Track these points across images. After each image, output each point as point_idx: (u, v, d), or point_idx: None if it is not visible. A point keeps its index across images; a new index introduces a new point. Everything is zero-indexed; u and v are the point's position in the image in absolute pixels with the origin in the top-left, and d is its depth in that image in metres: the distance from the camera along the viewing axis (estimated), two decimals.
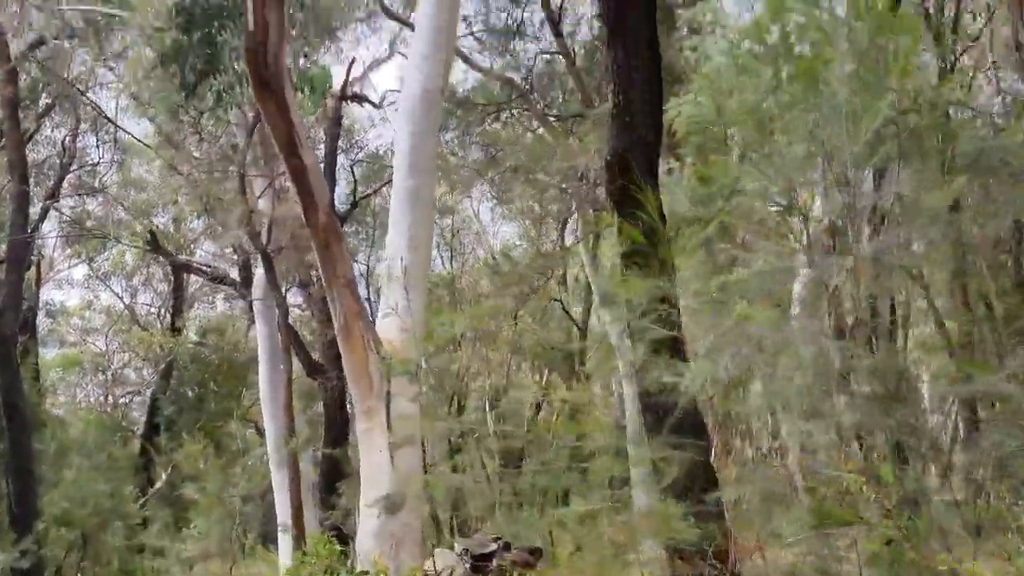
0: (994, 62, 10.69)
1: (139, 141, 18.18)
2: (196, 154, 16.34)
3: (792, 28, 6.01)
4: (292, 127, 9.70)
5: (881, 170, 6.20)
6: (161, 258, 22.30)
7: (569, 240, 20.37)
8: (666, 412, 5.47)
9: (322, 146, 17.79)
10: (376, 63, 20.02)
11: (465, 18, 13.95)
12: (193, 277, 25.72)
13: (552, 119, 14.33)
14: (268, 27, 9.37)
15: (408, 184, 10.56)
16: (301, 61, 12.23)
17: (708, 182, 6.46)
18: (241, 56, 10.29)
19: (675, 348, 5.92)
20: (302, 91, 11.29)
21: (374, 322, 10.44)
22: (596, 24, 14.44)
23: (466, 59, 14.89)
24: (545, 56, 15.23)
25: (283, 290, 14.93)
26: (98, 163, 23.32)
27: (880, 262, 3.30)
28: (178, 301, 25.81)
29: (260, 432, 19.77)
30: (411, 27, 15.48)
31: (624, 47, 5.46)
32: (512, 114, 16.10)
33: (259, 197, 14.73)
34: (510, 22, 14.97)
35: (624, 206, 6.05)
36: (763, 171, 4.38)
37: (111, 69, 17.98)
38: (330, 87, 13.13)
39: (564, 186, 14.92)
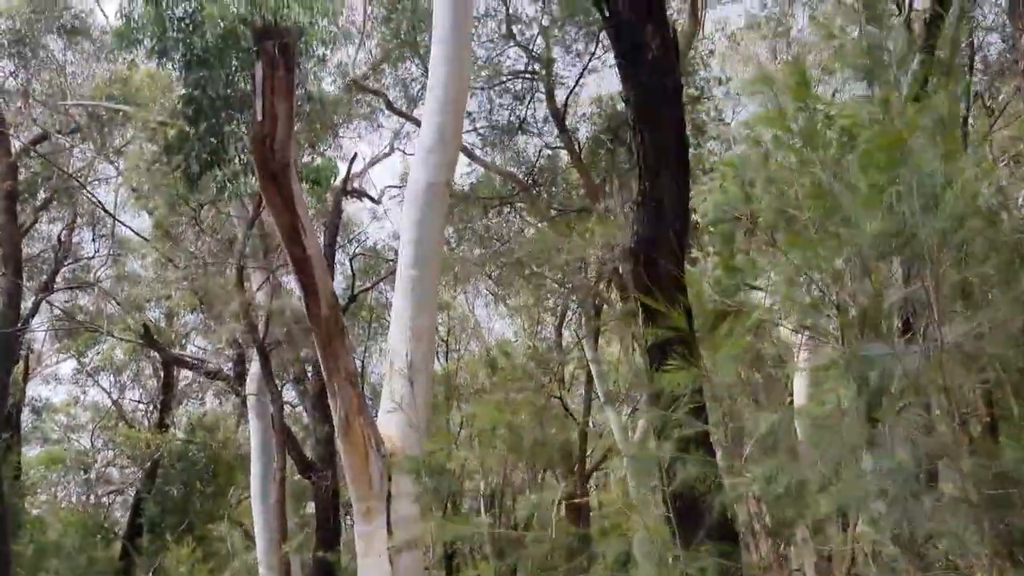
0: (1014, 158, 10.74)
1: (137, 234, 18.05)
2: (194, 248, 16.21)
3: (820, 114, 5.93)
4: (297, 218, 9.53)
5: (909, 259, 6.00)
6: (152, 353, 21.92)
7: (566, 336, 20.16)
8: (699, 516, 5.11)
9: (320, 240, 17.67)
10: (376, 159, 20.21)
11: (469, 114, 14.05)
12: (183, 373, 25.27)
13: (555, 213, 14.30)
14: (276, 118, 9.28)
15: (412, 274, 10.39)
16: (306, 154, 12.21)
17: (735, 272, 6.23)
18: (247, 147, 10.22)
19: (706, 445, 5.60)
20: (307, 182, 11.21)
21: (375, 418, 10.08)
22: (599, 121, 14.59)
23: (469, 154, 14.95)
24: (548, 151, 15.34)
25: (278, 385, 14.55)
26: (93, 257, 23.19)
27: (964, 352, 3.06)
28: (167, 397, 25.24)
29: (249, 535, 18.98)
30: (415, 122, 15.63)
31: (651, 131, 5.33)
32: (514, 208, 16.09)
33: (257, 290, 14.49)
34: (513, 119, 15.11)
35: (650, 295, 5.81)
36: (812, 257, 4.17)
37: (112, 163, 18.02)
38: (336, 178, 13.09)
39: (566, 281, 14.77)
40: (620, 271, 12.29)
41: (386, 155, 20.48)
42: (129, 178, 14.92)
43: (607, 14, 5.16)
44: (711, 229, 6.16)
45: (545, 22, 14.28)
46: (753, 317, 4.64)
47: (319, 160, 11.92)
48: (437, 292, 11.23)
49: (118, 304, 22.22)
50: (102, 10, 20.74)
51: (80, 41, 19.20)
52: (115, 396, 27.00)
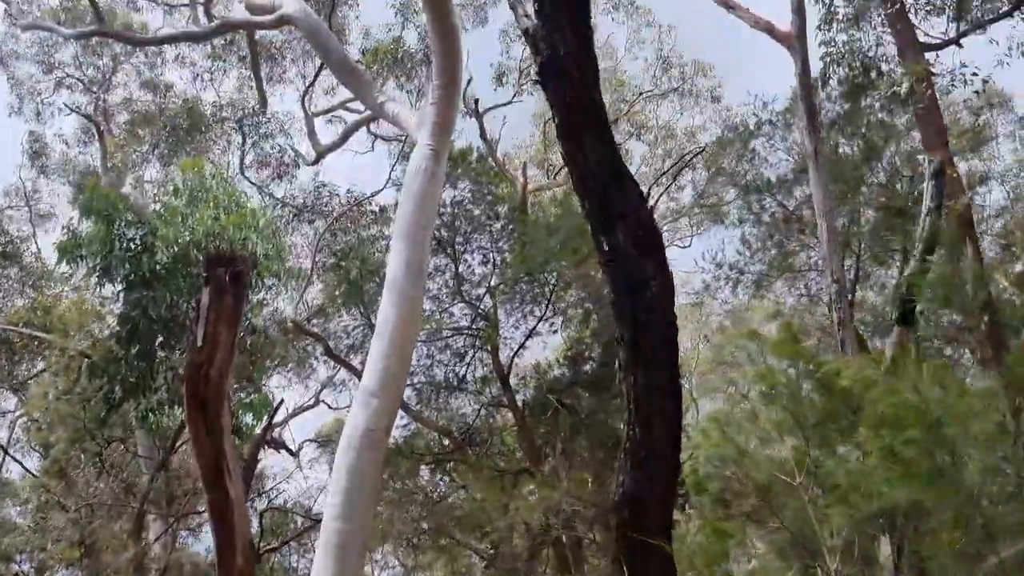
0: None
1: (27, 471, 16.51)
2: (91, 489, 14.77)
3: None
4: (222, 455, 8.71)
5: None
6: None
7: None
8: None
9: None
10: (301, 409, 19.41)
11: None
12: None
13: (494, 474, 13.58)
14: (217, 346, 8.76)
15: (338, 528, 9.36)
16: (239, 391, 11.50)
17: (723, 536, 5.71)
18: (178, 376, 9.54)
19: None
20: (237, 419, 10.45)
21: None
22: (540, 386, 14.39)
23: (404, 407, 14.40)
24: (487, 410, 14.93)
25: None
26: None
27: None
28: None
29: None
30: (353, 370, 15.16)
31: (645, 372, 4.98)
32: (444, 468, 15.34)
33: (156, 540, 13.05)
34: (451, 376, 14.81)
35: (634, 560, 5.19)
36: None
37: (17, 392, 16.84)
38: (270, 415, 12.31)
39: (497, 550, 13.77)
40: (563, 539, 11.50)
41: (311, 406, 19.76)
42: (34, 406, 13.81)
43: (606, 247, 5.00)
44: (698, 487, 5.67)
45: (494, 281, 14.48)
46: None
47: (254, 396, 11.22)
48: (365, 551, 10.19)
49: None
50: (35, 241, 20.46)
51: (8, 266, 18.67)
52: None
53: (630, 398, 5.10)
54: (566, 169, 18.36)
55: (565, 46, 5.00)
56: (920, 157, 12.69)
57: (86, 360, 12.19)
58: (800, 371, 5.77)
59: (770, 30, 10.65)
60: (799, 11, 10.11)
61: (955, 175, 9.34)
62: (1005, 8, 11.13)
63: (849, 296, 10.17)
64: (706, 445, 5.83)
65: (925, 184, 7.13)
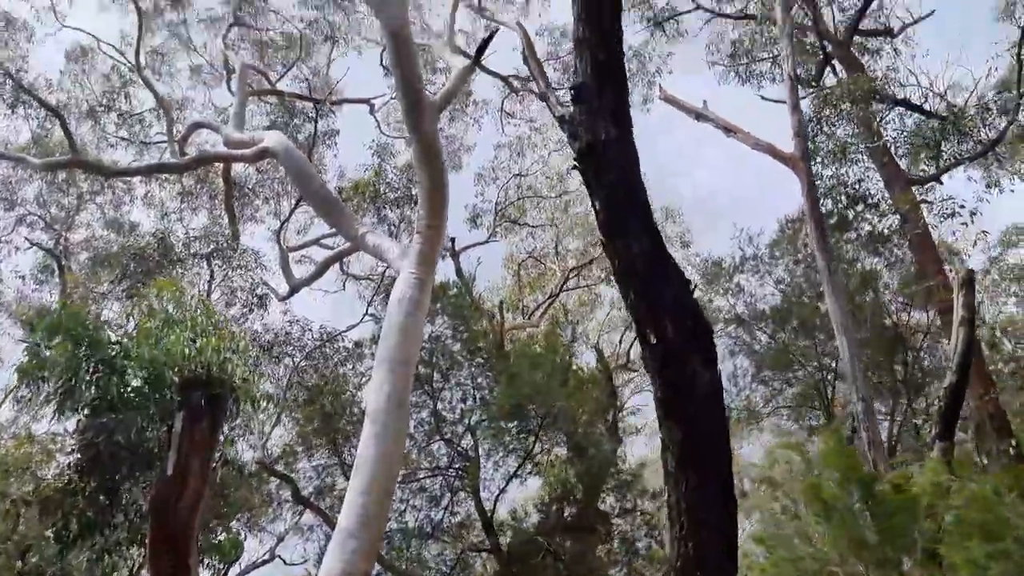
0: None
1: None
2: None
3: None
4: None
5: None
6: None
7: None
8: None
9: None
10: (253, 565, 18.05)
11: None
12: None
13: None
14: (189, 474, 8.03)
15: None
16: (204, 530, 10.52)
17: None
18: (141, 511, 8.67)
19: None
20: (203, 563, 9.46)
21: None
22: (534, 529, 13.52)
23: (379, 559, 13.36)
24: (468, 554, 13.91)
25: None
26: None
27: None
28: None
29: None
30: (323, 515, 14.19)
31: (698, 475, 4.47)
32: None
33: None
34: (424, 522, 13.87)
35: None
36: None
37: None
38: (227, 566, 11.22)
39: None
40: None
41: (265, 561, 18.44)
42: None
43: (653, 340, 4.59)
44: None
45: (475, 419, 13.86)
46: None
47: (223, 537, 10.22)
48: None
49: None
50: None
51: None
52: None
53: (679, 508, 4.55)
54: (540, 310, 17.93)
55: (606, 131, 4.79)
56: (902, 295, 12.79)
57: (25, 505, 11.22)
58: (854, 484, 5.25)
59: (772, 152, 10.79)
60: (800, 133, 10.30)
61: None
62: (979, 150, 11.49)
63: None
64: (756, 568, 5.25)
65: (955, 295, 6.99)
